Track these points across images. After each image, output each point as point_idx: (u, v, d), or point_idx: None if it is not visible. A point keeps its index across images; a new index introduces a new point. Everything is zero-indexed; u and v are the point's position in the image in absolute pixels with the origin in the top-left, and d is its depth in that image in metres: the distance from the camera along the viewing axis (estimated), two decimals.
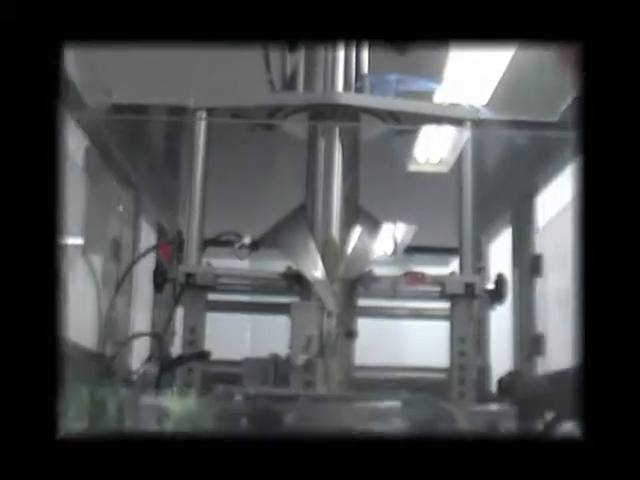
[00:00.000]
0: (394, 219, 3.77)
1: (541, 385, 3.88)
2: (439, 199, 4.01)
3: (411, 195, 4.38)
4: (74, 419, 3.93)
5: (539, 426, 3.83)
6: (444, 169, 4.10)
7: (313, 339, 3.24)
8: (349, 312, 3.49)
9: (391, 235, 3.69)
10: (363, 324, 3.65)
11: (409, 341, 4.82)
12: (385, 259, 3.68)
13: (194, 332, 3.45)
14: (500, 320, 4.43)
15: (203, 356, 3.34)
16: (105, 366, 3.73)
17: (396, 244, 3.67)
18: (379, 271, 3.60)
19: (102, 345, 3.83)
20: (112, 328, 3.82)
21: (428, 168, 4.22)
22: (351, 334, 3.45)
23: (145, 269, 3.88)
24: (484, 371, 4.11)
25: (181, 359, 3.33)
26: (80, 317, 4.01)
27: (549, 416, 3.78)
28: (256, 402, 3.13)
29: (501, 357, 4.41)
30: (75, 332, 3.87)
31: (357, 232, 3.57)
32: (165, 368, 3.26)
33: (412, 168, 4.24)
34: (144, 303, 4.35)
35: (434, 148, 4.08)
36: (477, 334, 3.94)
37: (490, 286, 3.70)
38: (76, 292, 4.11)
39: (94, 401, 3.82)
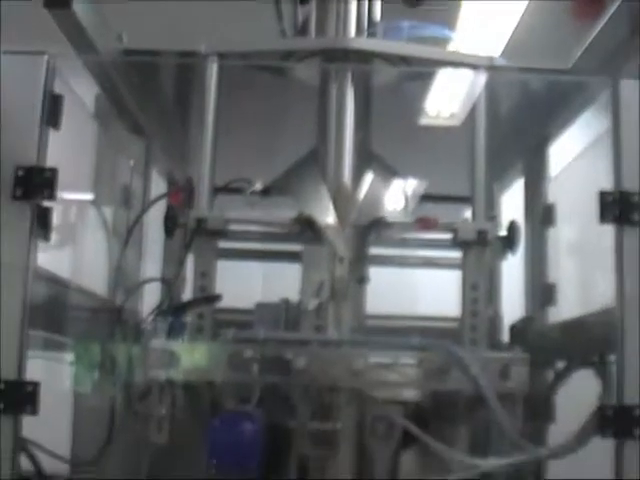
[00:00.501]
0: (406, 168, 3.74)
1: (553, 333, 3.87)
2: (451, 149, 3.98)
3: (423, 145, 4.35)
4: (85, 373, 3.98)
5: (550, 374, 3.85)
6: (455, 123, 4.08)
7: (324, 284, 3.23)
8: (360, 258, 3.47)
9: (402, 190, 3.67)
10: (375, 272, 3.64)
11: (421, 290, 4.80)
12: (397, 213, 3.65)
13: (205, 277, 3.45)
14: (511, 271, 4.42)
15: (213, 299, 3.33)
16: (116, 314, 3.73)
17: (407, 199, 3.65)
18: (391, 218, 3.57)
19: (113, 293, 3.82)
20: (123, 276, 3.81)
21: (439, 122, 4.19)
22: (362, 280, 3.44)
23: (155, 218, 3.87)
24: (496, 321, 4.10)
25: (192, 303, 3.32)
26: (91, 265, 4.02)
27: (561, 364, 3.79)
28: (267, 346, 3.13)
29: (513, 308, 4.39)
30: (87, 280, 3.89)
31: (369, 178, 3.55)
32: (176, 312, 3.25)
33: (423, 121, 4.22)
34: (155, 252, 4.34)
35: (445, 99, 4.05)
36: (489, 283, 3.92)
37: (502, 233, 3.68)
38: (87, 241, 4.13)
39: (104, 353, 3.85)
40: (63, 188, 3.10)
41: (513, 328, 3.72)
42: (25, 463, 3.77)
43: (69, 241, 4.02)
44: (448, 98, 4.06)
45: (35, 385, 2.96)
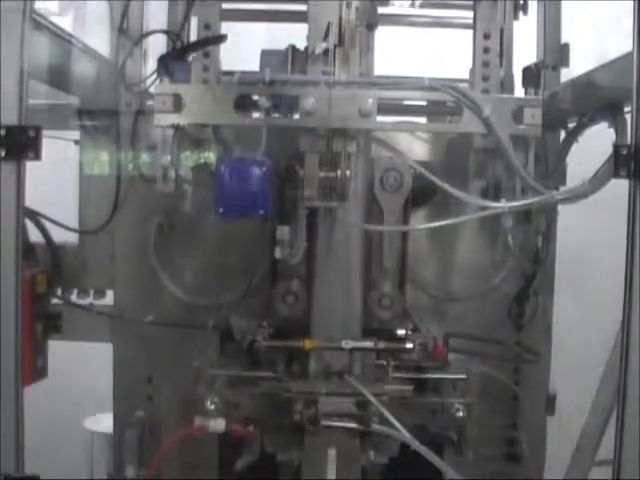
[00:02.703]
0: None
1: (566, 92, 3.76)
2: None
3: None
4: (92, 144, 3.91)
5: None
6: None
7: (332, 27, 3.10)
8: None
9: None
10: (383, 31, 3.50)
11: (431, 53, 4.67)
12: None
13: (209, 28, 3.34)
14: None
15: (219, 39, 3.23)
16: (119, 74, 3.64)
17: None
18: None
19: (115, 53, 3.69)
20: (125, 32, 3.68)
21: None
22: (371, 26, 3.30)
23: None
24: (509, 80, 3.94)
25: (197, 43, 3.22)
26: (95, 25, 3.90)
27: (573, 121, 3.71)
28: (274, 87, 3.04)
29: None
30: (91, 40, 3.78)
31: None
32: (181, 54, 3.15)
33: None
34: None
35: None
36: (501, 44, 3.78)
37: None
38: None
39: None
40: None
41: (525, 70, 3.58)
42: (34, 234, 3.80)
43: None
44: None
45: (37, 130, 2.88)
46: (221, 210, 3.08)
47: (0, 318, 2.97)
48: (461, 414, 3.33)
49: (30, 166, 2.93)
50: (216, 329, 3.58)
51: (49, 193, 3.86)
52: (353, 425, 3.20)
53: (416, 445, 3.12)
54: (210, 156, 3.44)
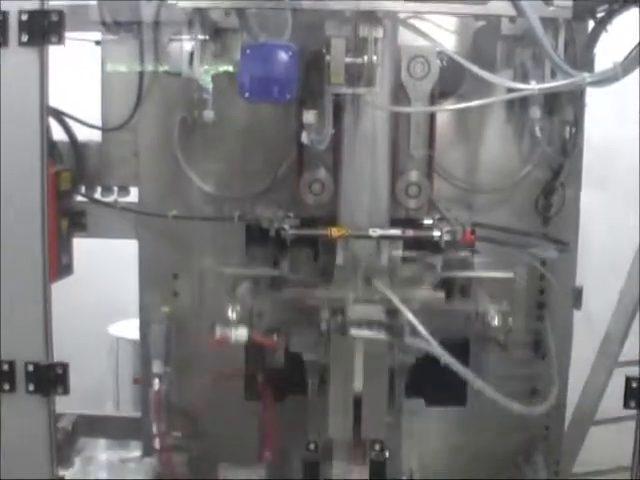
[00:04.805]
0: None
1: None
2: None
3: None
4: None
5: None
6: None
7: None
8: None
9: None
10: None
11: None
12: None
13: None
14: None
15: None
16: None
17: None
18: None
19: None
20: None
21: None
22: None
23: None
24: None
25: None
26: None
27: None
28: None
29: None
30: None
31: None
32: None
33: None
34: None
35: None
36: None
37: None
38: None
39: None
40: None
41: None
42: (58, 134, 3.77)
43: None
44: None
45: (60, 14, 2.88)
46: (246, 95, 3.05)
47: (26, 214, 2.99)
48: (496, 323, 3.31)
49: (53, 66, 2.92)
50: (242, 220, 3.57)
51: (71, 94, 3.85)
52: (382, 336, 3.10)
53: (447, 359, 3.01)
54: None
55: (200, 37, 3.28)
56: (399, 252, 3.44)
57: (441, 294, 3.36)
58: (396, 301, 3.05)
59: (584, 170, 3.81)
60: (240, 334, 3.32)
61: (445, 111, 3.60)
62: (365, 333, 3.09)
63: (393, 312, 3.09)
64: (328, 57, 3.06)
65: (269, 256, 3.65)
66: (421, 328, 3.01)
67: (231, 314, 3.28)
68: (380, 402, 3.30)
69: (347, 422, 3.29)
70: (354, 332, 3.08)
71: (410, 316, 3.01)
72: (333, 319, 3.17)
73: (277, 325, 3.45)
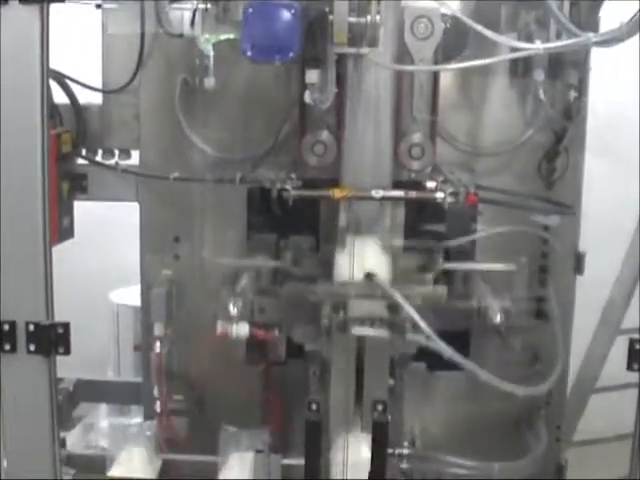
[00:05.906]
0: None
1: None
2: None
3: None
4: None
5: None
6: None
7: None
8: None
9: None
10: None
11: None
12: None
13: None
14: None
15: None
16: None
17: None
18: None
19: None
20: None
21: None
22: None
23: None
24: None
25: None
26: None
27: None
28: None
29: None
30: None
31: None
32: None
33: None
34: None
35: None
36: None
37: None
38: None
39: None
40: None
41: None
42: (58, 96, 3.75)
43: None
44: None
45: None
46: (249, 53, 3.01)
47: (27, 175, 2.97)
48: (498, 320, 3.32)
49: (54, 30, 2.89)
50: (243, 182, 3.55)
51: (72, 58, 3.83)
52: (384, 334, 3.12)
53: (450, 354, 3.05)
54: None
55: (201, 6, 3.28)
56: (400, 242, 3.47)
57: (443, 290, 3.36)
58: (398, 297, 3.06)
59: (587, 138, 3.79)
60: (241, 329, 3.32)
61: (448, 71, 3.56)
62: (367, 331, 3.12)
63: (394, 307, 3.10)
64: (331, 17, 3.03)
65: (270, 244, 3.69)
66: (424, 325, 3.02)
67: (232, 309, 3.29)
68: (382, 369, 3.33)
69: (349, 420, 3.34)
70: (356, 330, 3.11)
71: (412, 312, 3.03)
72: (334, 316, 3.17)
73: (278, 319, 3.47)
